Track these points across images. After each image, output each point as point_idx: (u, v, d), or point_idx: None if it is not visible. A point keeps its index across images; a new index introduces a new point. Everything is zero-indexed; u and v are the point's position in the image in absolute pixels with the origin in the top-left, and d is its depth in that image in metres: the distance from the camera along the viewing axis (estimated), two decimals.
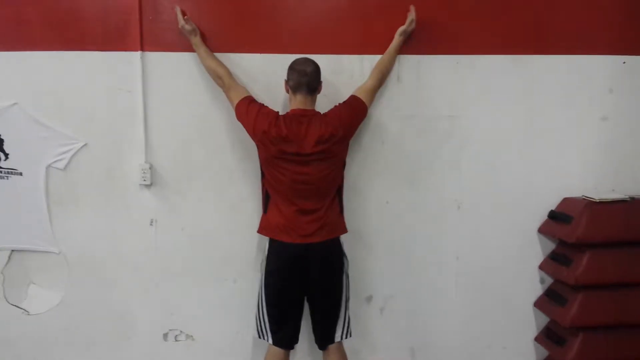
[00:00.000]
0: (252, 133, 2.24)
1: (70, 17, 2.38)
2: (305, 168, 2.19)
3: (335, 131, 2.20)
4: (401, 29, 2.42)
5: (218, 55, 2.40)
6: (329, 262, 2.27)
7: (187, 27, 2.34)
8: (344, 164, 2.34)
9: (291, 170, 2.19)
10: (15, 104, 2.40)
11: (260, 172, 2.31)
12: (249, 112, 2.25)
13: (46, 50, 2.40)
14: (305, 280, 2.24)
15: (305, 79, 2.21)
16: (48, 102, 2.42)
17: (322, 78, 2.30)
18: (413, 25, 2.42)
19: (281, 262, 2.24)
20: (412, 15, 2.41)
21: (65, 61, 2.40)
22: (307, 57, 2.28)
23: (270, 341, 2.29)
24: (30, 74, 2.41)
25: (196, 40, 2.36)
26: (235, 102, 2.30)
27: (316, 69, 2.25)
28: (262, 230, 2.31)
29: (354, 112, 2.31)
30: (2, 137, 2.42)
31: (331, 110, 2.30)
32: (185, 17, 2.35)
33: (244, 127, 2.28)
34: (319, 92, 2.30)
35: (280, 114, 2.27)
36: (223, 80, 2.34)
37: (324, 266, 2.25)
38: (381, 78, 2.44)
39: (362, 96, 2.35)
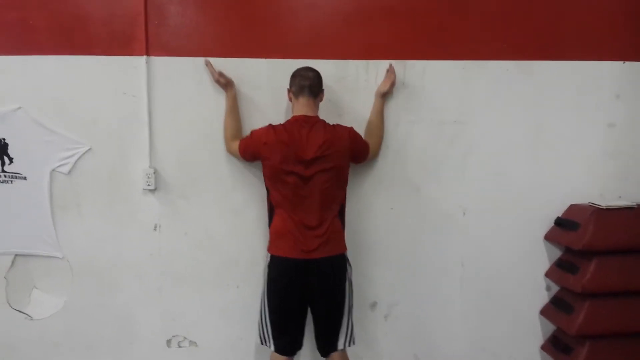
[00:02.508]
0: (258, 151, 2.25)
1: (76, 21, 2.39)
2: (307, 175, 2.18)
3: (341, 139, 2.23)
4: (382, 90, 2.45)
5: (224, 60, 2.42)
6: (332, 270, 2.25)
7: (222, 80, 2.38)
8: (345, 182, 2.33)
9: (293, 182, 2.19)
10: (20, 108, 2.41)
11: (266, 189, 2.32)
12: (247, 141, 2.31)
13: (51, 55, 2.40)
14: (307, 287, 2.23)
15: (308, 82, 2.24)
16: (53, 107, 2.43)
17: (328, 83, 2.33)
18: (393, 86, 2.46)
19: (283, 271, 2.23)
20: (392, 77, 2.44)
21: (70, 65, 2.41)
22: (309, 66, 2.31)
23: (272, 348, 2.27)
24: (35, 78, 2.41)
25: (230, 94, 2.41)
26: (235, 147, 2.36)
27: (317, 74, 2.28)
28: (270, 248, 2.29)
29: (362, 141, 2.36)
30: (6, 141, 2.43)
31: (344, 126, 2.32)
32: (219, 71, 2.39)
33: (251, 156, 2.31)
34: (321, 100, 2.32)
35: (281, 123, 2.29)
36: (231, 136, 2.40)
37: (327, 275, 2.24)
38: (379, 141, 2.49)
39: (370, 146, 2.41)
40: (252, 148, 2.29)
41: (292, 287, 2.23)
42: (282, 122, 2.29)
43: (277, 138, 2.19)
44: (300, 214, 2.21)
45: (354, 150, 2.30)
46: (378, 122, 2.47)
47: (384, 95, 2.47)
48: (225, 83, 2.40)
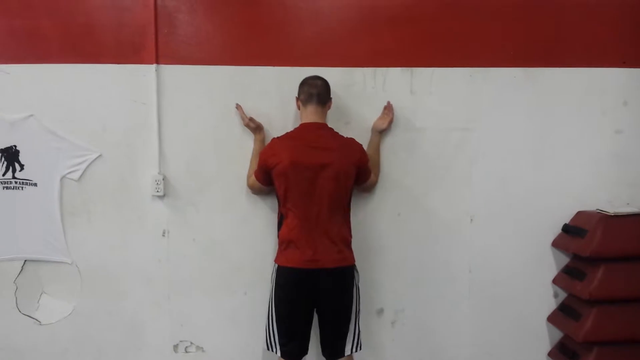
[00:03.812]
0: (267, 163, 2.25)
1: (87, 30, 2.42)
2: (314, 180, 2.19)
3: (352, 148, 2.26)
4: (379, 128, 2.47)
5: (232, 67, 2.44)
6: (339, 277, 2.26)
7: (252, 124, 2.42)
8: (351, 192, 2.33)
9: (303, 181, 2.19)
10: (31, 115, 2.43)
11: (278, 201, 2.33)
12: (259, 167, 2.31)
13: (62, 63, 2.43)
14: (315, 294, 2.24)
15: (316, 90, 2.26)
16: (63, 114, 2.45)
17: (335, 91, 2.34)
18: (391, 123, 2.48)
19: (291, 280, 2.24)
20: (391, 114, 2.46)
21: (81, 73, 2.44)
22: (317, 75, 2.33)
23: (279, 354, 2.28)
24: (46, 86, 2.44)
25: (259, 137, 2.44)
26: (252, 178, 2.40)
27: (326, 83, 2.30)
28: (277, 258, 2.30)
29: (367, 160, 2.34)
30: (17, 148, 2.45)
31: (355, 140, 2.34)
32: (250, 117, 2.41)
33: (264, 173, 2.30)
34: (328, 108, 2.33)
35: (289, 130, 2.32)
36: (249, 175, 2.44)
37: (335, 281, 2.25)
38: (376, 176, 2.49)
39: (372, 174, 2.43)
40: (262, 164, 2.29)
41: (300, 294, 2.24)
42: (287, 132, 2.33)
43: (283, 140, 2.23)
44: (309, 219, 2.21)
45: (361, 165, 2.30)
46: (376, 158, 2.48)
47: (382, 132, 2.48)
48: (255, 127, 2.43)
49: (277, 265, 2.27)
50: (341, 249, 2.24)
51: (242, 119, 2.44)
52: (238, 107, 2.44)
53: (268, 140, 2.42)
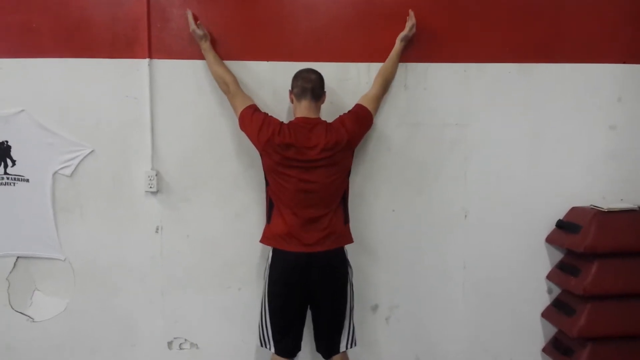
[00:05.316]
0: (256, 141, 2.24)
1: (79, 25, 2.41)
2: (309, 175, 2.19)
3: (341, 139, 2.21)
4: (402, 34, 2.44)
5: (226, 62, 2.42)
6: (333, 271, 2.26)
7: (198, 32, 2.36)
8: (348, 173, 2.34)
9: (295, 177, 2.19)
10: (22, 110, 2.42)
11: (265, 181, 2.31)
12: (253, 120, 2.26)
13: (54, 58, 2.41)
14: (308, 289, 2.24)
15: (310, 85, 2.23)
16: (55, 109, 2.43)
17: (329, 86, 2.33)
18: (414, 30, 2.44)
19: (284, 272, 2.24)
20: (412, 20, 2.43)
21: (73, 68, 2.42)
22: (311, 67, 2.31)
23: (273, 350, 2.28)
24: (38, 81, 2.42)
25: (206, 45, 2.38)
26: (240, 110, 2.31)
27: (320, 77, 2.28)
28: (264, 239, 2.30)
29: (360, 120, 2.32)
30: (9, 144, 2.43)
31: (337, 119, 2.31)
32: (197, 22, 2.37)
33: (247, 135, 2.29)
34: (322, 102, 2.32)
35: (284, 122, 2.27)
36: (229, 87, 2.35)
37: (328, 275, 2.24)
38: (385, 85, 2.46)
39: (367, 105, 2.37)
40: (253, 132, 2.24)
41: (293, 288, 2.23)
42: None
43: (281, 140, 2.18)
44: (300, 209, 2.20)
45: (356, 140, 2.30)
46: (389, 64, 2.45)
47: (403, 40, 2.45)
48: (201, 35, 2.35)
49: (272, 249, 2.26)
50: (333, 232, 2.23)
51: (190, 24, 2.36)
52: (188, 13, 2.36)
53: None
